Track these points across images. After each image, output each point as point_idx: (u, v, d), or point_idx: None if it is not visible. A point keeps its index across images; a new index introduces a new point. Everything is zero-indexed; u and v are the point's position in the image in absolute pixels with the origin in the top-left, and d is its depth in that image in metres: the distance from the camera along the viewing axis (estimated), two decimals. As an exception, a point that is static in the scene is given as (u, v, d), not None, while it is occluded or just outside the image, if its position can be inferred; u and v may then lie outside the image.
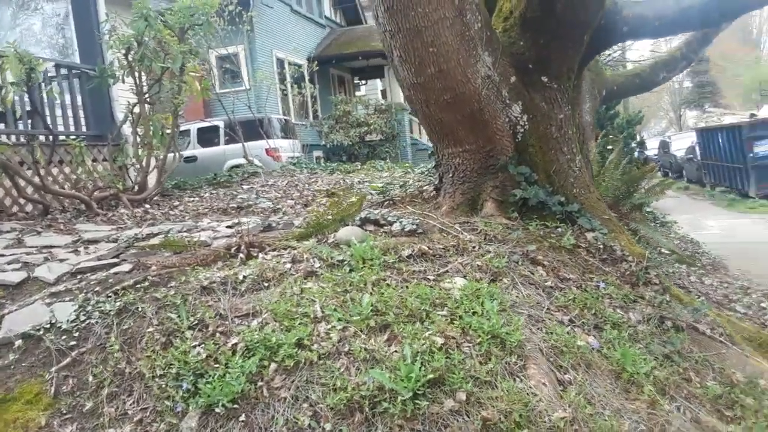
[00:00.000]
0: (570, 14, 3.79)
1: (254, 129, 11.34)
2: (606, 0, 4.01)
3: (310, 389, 2.26)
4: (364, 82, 22.81)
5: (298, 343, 2.43)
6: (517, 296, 2.96)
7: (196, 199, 6.28)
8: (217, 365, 2.44)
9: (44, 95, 5.53)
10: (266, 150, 11.43)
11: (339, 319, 2.53)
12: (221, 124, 12.18)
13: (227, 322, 2.71)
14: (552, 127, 3.98)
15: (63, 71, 6.57)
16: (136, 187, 6.38)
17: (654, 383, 2.56)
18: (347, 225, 3.49)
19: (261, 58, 15.36)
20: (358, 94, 22.18)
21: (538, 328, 2.75)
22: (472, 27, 3.70)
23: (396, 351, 2.36)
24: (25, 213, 5.70)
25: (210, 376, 2.39)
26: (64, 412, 2.46)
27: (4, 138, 5.43)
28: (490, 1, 4.30)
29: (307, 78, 14.29)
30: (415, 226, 3.46)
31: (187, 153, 10.54)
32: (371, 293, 2.68)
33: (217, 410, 2.25)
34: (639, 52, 39.90)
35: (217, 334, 2.63)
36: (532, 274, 3.24)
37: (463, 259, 3.18)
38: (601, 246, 3.63)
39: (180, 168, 8.02)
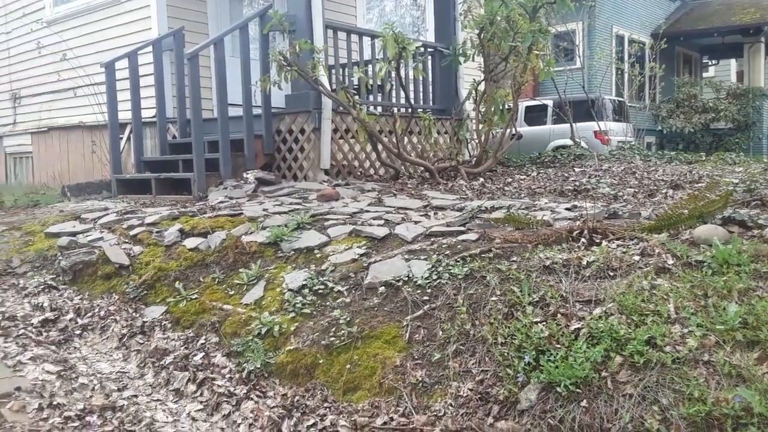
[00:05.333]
0: None
1: (584, 110, 11.01)
2: None
3: (660, 392, 2.13)
4: (714, 62, 20.26)
5: (649, 341, 2.30)
6: None
7: (527, 177, 6.39)
8: (558, 345, 2.46)
9: (410, 72, 6.20)
10: (595, 132, 11.01)
11: (698, 325, 2.32)
12: (550, 103, 12.11)
13: (568, 305, 2.70)
14: None
15: (420, 49, 7.24)
16: (473, 161, 6.77)
17: None
18: (705, 223, 3.17)
19: (600, 35, 14.74)
20: (705, 75, 19.82)
21: None
22: None
23: None
24: (379, 176, 6.51)
25: (552, 354, 2.42)
26: (416, 357, 2.75)
27: (372, 108, 6.24)
28: None
29: (648, 57, 13.26)
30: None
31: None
32: (738, 303, 2.39)
33: (558, 389, 2.28)
34: None
35: (559, 315, 2.64)
36: None
37: None
38: None
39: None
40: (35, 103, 9.22)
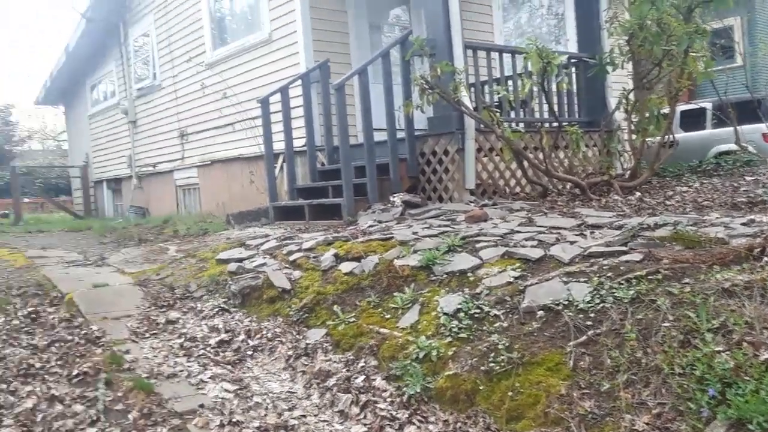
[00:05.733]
0: None
1: (749, 111, 10.04)
2: None
3: None
4: None
5: None
6: None
7: (689, 188, 5.93)
8: (747, 378, 2.24)
9: (553, 86, 6.05)
10: (764, 135, 10.00)
11: None
12: (708, 106, 11.19)
13: (755, 332, 2.45)
14: None
15: (563, 61, 7.03)
16: (627, 174, 6.42)
17: None
18: None
19: (763, 29, 13.44)
20: None
21: None
22: None
23: None
24: (525, 194, 6.37)
25: (740, 387, 2.20)
26: (582, 386, 2.63)
27: (515, 125, 6.15)
28: None
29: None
30: None
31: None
32: None
33: (749, 426, 2.07)
34: None
35: (744, 344, 2.41)
36: None
37: None
38: None
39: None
40: (200, 139, 10.13)
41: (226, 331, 3.88)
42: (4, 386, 3.08)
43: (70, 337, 3.71)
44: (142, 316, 4.14)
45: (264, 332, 3.86)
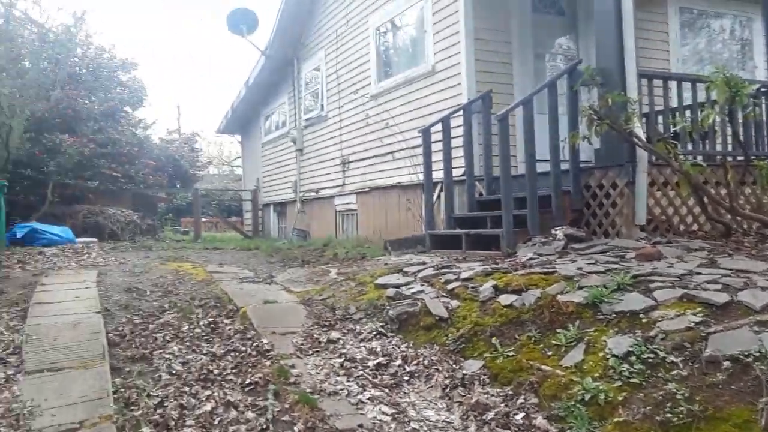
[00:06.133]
0: None
1: None
2: None
3: None
4: None
5: None
6: None
7: None
8: None
9: (740, 116, 5.54)
10: None
11: None
12: None
13: None
14: None
15: (753, 90, 6.41)
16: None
17: None
18: None
19: None
20: None
21: None
22: None
23: None
24: (704, 232, 5.84)
25: None
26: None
27: (694, 158, 5.68)
28: None
29: None
30: None
31: None
32: None
33: None
34: None
35: None
36: None
37: None
38: None
39: None
40: (360, 167, 10.56)
41: (384, 355, 3.93)
42: (187, 389, 3.36)
43: (243, 348, 3.97)
44: (306, 333, 4.34)
45: (420, 359, 3.86)
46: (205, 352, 3.95)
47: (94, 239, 12.48)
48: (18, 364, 3.67)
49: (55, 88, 14.64)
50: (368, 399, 3.38)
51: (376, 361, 3.85)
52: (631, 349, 3.20)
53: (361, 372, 3.72)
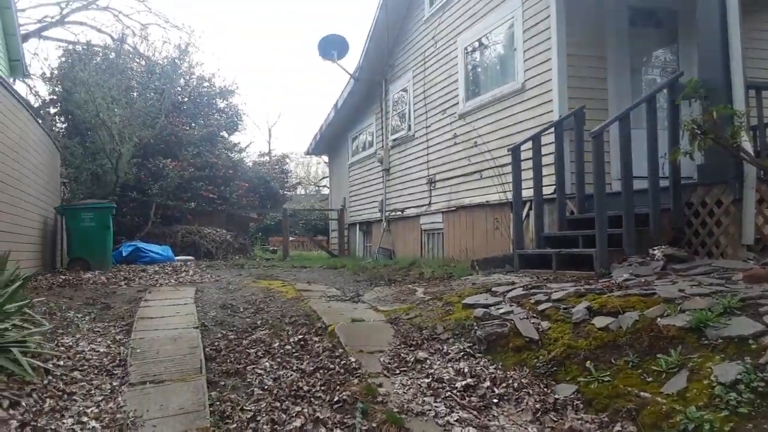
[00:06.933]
0: None
1: None
2: None
3: None
4: None
5: None
6: None
7: None
8: None
9: None
10: None
11: None
12: None
13: None
14: None
15: None
16: None
17: None
18: None
19: None
20: None
21: None
22: None
23: None
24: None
25: None
26: None
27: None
28: None
29: None
30: None
31: None
32: None
33: None
34: None
35: None
36: None
37: None
38: None
39: None
40: (446, 186, 10.52)
41: (472, 376, 3.85)
42: (278, 404, 3.43)
43: (331, 366, 4.01)
44: (393, 352, 4.32)
45: (510, 381, 3.75)
46: (295, 368, 4.01)
47: (191, 257, 13.14)
48: (123, 376, 3.88)
49: (160, 116, 15.65)
50: (456, 421, 3.31)
51: (464, 382, 3.77)
52: (739, 376, 2.98)
53: (448, 393, 3.65)
